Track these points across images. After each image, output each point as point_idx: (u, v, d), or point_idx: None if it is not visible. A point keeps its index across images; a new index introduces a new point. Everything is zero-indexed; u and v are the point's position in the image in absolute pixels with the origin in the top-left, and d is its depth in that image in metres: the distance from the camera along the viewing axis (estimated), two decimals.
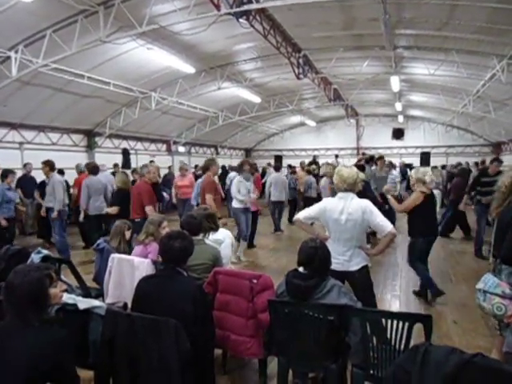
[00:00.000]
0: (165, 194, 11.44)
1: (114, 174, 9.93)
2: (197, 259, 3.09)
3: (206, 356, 2.58)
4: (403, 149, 20.67)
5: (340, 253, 3.33)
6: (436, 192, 11.43)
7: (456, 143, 19.84)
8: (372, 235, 6.89)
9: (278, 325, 2.64)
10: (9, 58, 7.62)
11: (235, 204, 7.04)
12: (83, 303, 2.54)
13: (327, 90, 13.85)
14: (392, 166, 11.61)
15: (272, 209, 9.67)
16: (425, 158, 18.42)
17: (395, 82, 12.14)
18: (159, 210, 9.08)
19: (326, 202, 3.49)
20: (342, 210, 3.31)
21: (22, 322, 1.77)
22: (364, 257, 3.42)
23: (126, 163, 13.29)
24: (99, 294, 3.82)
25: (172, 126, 15.66)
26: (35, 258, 3.48)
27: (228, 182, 10.26)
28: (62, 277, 3.51)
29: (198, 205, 6.48)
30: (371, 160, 9.06)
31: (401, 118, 19.51)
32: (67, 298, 2.51)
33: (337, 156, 19.13)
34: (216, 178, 7.42)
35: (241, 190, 7.00)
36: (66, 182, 8.95)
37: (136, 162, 14.15)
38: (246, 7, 6.54)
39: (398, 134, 20.27)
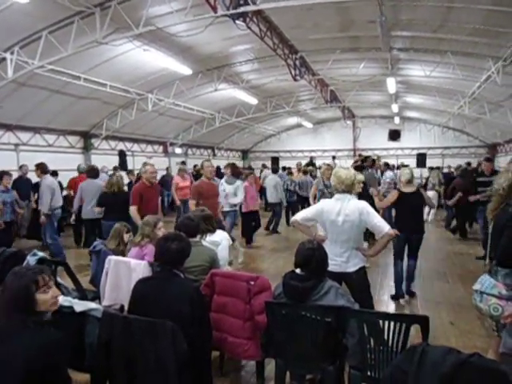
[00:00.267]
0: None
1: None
2: (194, 261, 3.08)
3: (203, 358, 2.58)
4: (399, 150, 20.73)
5: (337, 254, 3.33)
6: (431, 193, 11.53)
7: (452, 144, 19.93)
8: (372, 238, 6.91)
9: (275, 326, 2.64)
10: (4, 59, 7.58)
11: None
12: (79, 306, 2.53)
13: (324, 92, 13.88)
14: (388, 167, 11.67)
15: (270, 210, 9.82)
16: (421, 160, 18.47)
17: (391, 84, 12.19)
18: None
19: (324, 204, 3.49)
20: (339, 212, 3.32)
21: (9, 324, 1.77)
22: (361, 258, 3.43)
23: (123, 165, 13.25)
24: (96, 297, 3.80)
25: (169, 128, 15.64)
26: (31, 260, 3.47)
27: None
28: (58, 279, 3.49)
29: None
30: (365, 161, 9.09)
31: (397, 120, 19.58)
32: (63, 300, 2.50)
33: (334, 157, 19.16)
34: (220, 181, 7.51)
35: (220, 193, 7.13)
36: (60, 183, 8.93)
37: (133, 163, 14.11)
38: (242, 9, 6.54)
39: (395, 135, 20.32)
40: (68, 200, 8.65)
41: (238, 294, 2.88)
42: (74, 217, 7.45)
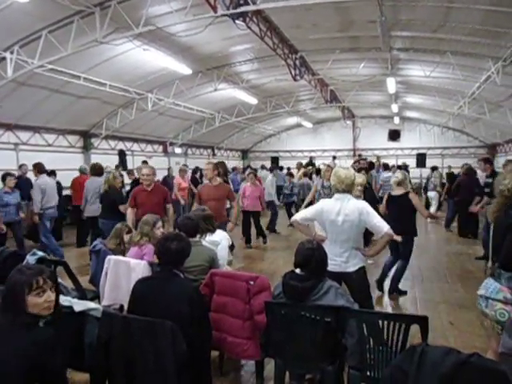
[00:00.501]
0: None
1: None
2: (193, 261, 3.08)
3: (202, 358, 2.58)
4: (399, 150, 20.75)
5: (337, 254, 3.33)
6: (433, 194, 11.48)
7: (452, 145, 19.94)
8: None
9: (274, 326, 2.64)
10: (4, 58, 7.57)
11: None
12: (79, 305, 2.53)
13: (324, 92, 13.88)
14: (385, 167, 11.69)
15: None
16: (421, 160, 18.49)
17: (391, 84, 12.19)
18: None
19: (323, 204, 3.49)
20: (338, 212, 3.32)
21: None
22: (361, 258, 3.43)
23: (123, 164, 13.24)
24: (95, 296, 3.80)
25: (168, 127, 15.64)
26: (30, 259, 3.46)
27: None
28: (58, 278, 3.49)
29: None
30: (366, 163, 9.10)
31: (397, 120, 19.58)
32: (63, 300, 2.50)
33: (334, 157, 19.14)
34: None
35: None
36: (59, 183, 8.92)
37: (132, 163, 14.10)
38: (242, 9, 6.54)
39: (394, 135, 20.33)
40: (70, 199, 8.67)
41: (238, 293, 2.88)
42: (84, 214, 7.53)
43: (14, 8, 6.30)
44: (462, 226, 9.06)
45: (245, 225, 8.42)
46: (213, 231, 3.82)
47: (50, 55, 7.45)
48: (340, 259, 3.34)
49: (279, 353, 2.68)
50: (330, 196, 3.63)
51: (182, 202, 9.53)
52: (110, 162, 12.17)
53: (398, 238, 4.36)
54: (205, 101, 13.72)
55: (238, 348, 2.89)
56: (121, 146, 14.25)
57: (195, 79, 11.34)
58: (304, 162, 15.89)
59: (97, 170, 7.30)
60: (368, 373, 2.43)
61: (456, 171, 12.86)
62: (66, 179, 9.51)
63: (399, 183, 5.10)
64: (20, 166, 9.25)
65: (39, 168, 7.10)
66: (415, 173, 17.57)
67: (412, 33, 9.07)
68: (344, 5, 7.50)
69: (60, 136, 11.81)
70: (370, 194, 4.48)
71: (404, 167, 16.30)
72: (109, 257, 3.62)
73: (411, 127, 20.48)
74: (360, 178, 4.43)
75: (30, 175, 8.93)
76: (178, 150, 17.14)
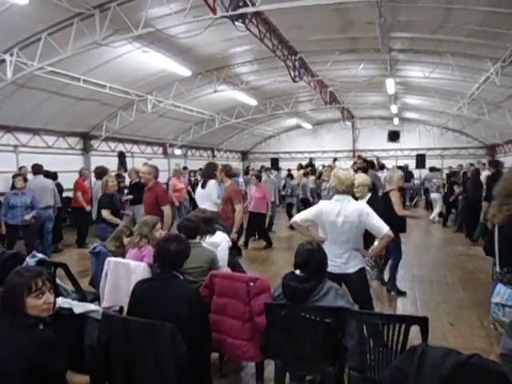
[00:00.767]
0: None
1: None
2: (193, 262, 3.08)
3: (202, 359, 2.57)
4: (399, 151, 20.75)
5: (337, 255, 3.33)
6: (436, 195, 11.34)
7: (451, 145, 19.94)
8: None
9: (274, 328, 2.64)
10: (4, 60, 7.57)
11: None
12: (79, 307, 2.53)
13: (323, 93, 13.89)
14: (381, 167, 11.70)
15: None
16: (420, 160, 18.48)
17: (390, 85, 12.20)
18: None
19: (323, 205, 3.50)
20: (338, 213, 3.32)
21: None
22: (361, 259, 3.43)
23: (123, 166, 13.24)
24: (95, 298, 3.80)
25: (168, 129, 15.63)
26: (30, 261, 3.47)
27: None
28: (58, 281, 3.49)
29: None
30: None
31: (396, 121, 19.59)
32: (63, 302, 2.50)
33: (335, 159, 19.11)
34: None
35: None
36: (60, 185, 8.92)
37: (132, 164, 14.08)
38: (241, 10, 6.54)
39: (394, 136, 20.33)
40: (70, 201, 8.68)
41: (238, 295, 2.87)
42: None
43: (13, 10, 6.30)
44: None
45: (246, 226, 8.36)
46: (212, 233, 3.82)
47: (50, 57, 7.46)
48: (340, 260, 3.34)
49: (279, 354, 2.68)
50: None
51: (177, 203, 9.53)
52: (109, 163, 12.13)
53: None
54: (204, 102, 13.73)
55: (238, 350, 2.88)
56: (121, 147, 14.24)
57: (195, 81, 11.35)
58: (304, 163, 15.91)
59: (99, 174, 7.32)
60: (368, 374, 2.43)
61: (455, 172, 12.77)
62: (66, 181, 9.51)
63: (388, 181, 5.19)
64: (20, 168, 9.25)
65: (35, 169, 7.17)
66: (415, 174, 17.57)
67: (411, 34, 9.09)
68: (343, 6, 7.49)
69: (60, 138, 11.80)
70: (373, 198, 4.38)
71: (405, 168, 16.34)
72: (109, 258, 3.62)
73: (411, 128, 20.49)
74: (360, 178, 4.39)
75: (30, 177, 8.95)
76: (177, 152, 17.14)
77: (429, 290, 5.48)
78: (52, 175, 8.53)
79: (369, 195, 4.44)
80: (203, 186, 6.14)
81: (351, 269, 3.34)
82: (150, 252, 3.57)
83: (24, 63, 7.60)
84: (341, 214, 3.30)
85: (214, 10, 6.42)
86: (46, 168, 8.27)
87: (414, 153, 19.92)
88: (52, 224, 7.44)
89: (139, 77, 10.47)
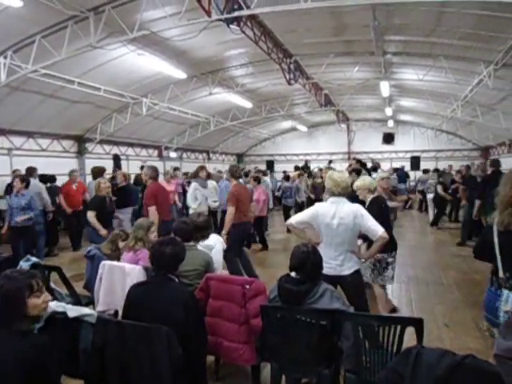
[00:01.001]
0: None
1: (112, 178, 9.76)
2: (189, 265, 3.07)
3: (198, 363, 2.56)
4: (393, 153, 20.87)
5: (332, 257, 3.34)
6: (431, 196, 11.34)
7: (445, 147, 20.10)
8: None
9: (270, 330, 2.63)
10: None
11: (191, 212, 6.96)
12: (73, 311, 2.50)
13: (318, 96, 13.94)
14: (374, 168, 11.72)
15: None
16: (415, 163, 18.61)
17: (385, 88, 12.27)
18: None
19: (318, 207, 3.50)
20: (333, 215, 3.33)
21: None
22: (356, 261, 3.44)
23: (118, 169, 13.19)
24: (90, 302, 3.78)
25: (163, 132, 15.62)
26: (24, 265, 3.44)
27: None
28: (52, 284, 3.47)
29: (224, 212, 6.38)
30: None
31: (391, 123, 19.71)
32: (57, 305, 2.47)
33: (330, 162, 19.17)
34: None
35: (198, 197, 7.04)
36: (56, 187, 8.84)
37: (127, 167, 14.06)
38: (236, 13, 6.56)
39: (389, 138, 20.46)
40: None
41: (233, 297, 2.87)
42: None
43: (7, 13, 6.28)
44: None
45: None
46: (207, 236, 3.81)
47: (44, 60, 7.43)
48: (335, 262, 3.34)
49: (275, 357, 2.67)
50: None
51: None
52: (104, 166, 12.13)
53: None
54: (200, 105, 13.73)
55: (234, 352, 2.88)
56: (115, 150, 14.20)
57: (190, 83, 11.35)
58: (300, 165, 15.96)
59: (95, 174, 7.30)
60: (364, 376, 2.43)
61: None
62: (60, 184, 9.45)
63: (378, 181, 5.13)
64: (13, 172, 9.18)
65: (28, 172, 7.22)
66: (410, 176, 17.66)
67: (405, 37, 9.16)
68: (338, 9, 7.55)
69: (54, 141, 11.76)
70: (377, 203, 4.24)
71: (401, 169, 16.43)
72: (103, 262, 3.60)
73: (405, 130, 20.63)
74: (359, 182, 4.33)
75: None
76: (172, 155, 17.12)
77: (424, 291, 5.50)
78: (49, 178, 8.48)
79: (371, 196, 4.36)
80: (204, 186, 7.07)
81: (346, 271, 3.35)
82: (145, 255, 3.56)
83: (18, 66, 7.57)
84: (336, 216, 3.31)
85: (208, 13, 6.43)
86: (40, 171, 8.23)
87: (409, 155, 20.05)
88: (41, 227, 7.34)
89: (134, 79, 10.45)
